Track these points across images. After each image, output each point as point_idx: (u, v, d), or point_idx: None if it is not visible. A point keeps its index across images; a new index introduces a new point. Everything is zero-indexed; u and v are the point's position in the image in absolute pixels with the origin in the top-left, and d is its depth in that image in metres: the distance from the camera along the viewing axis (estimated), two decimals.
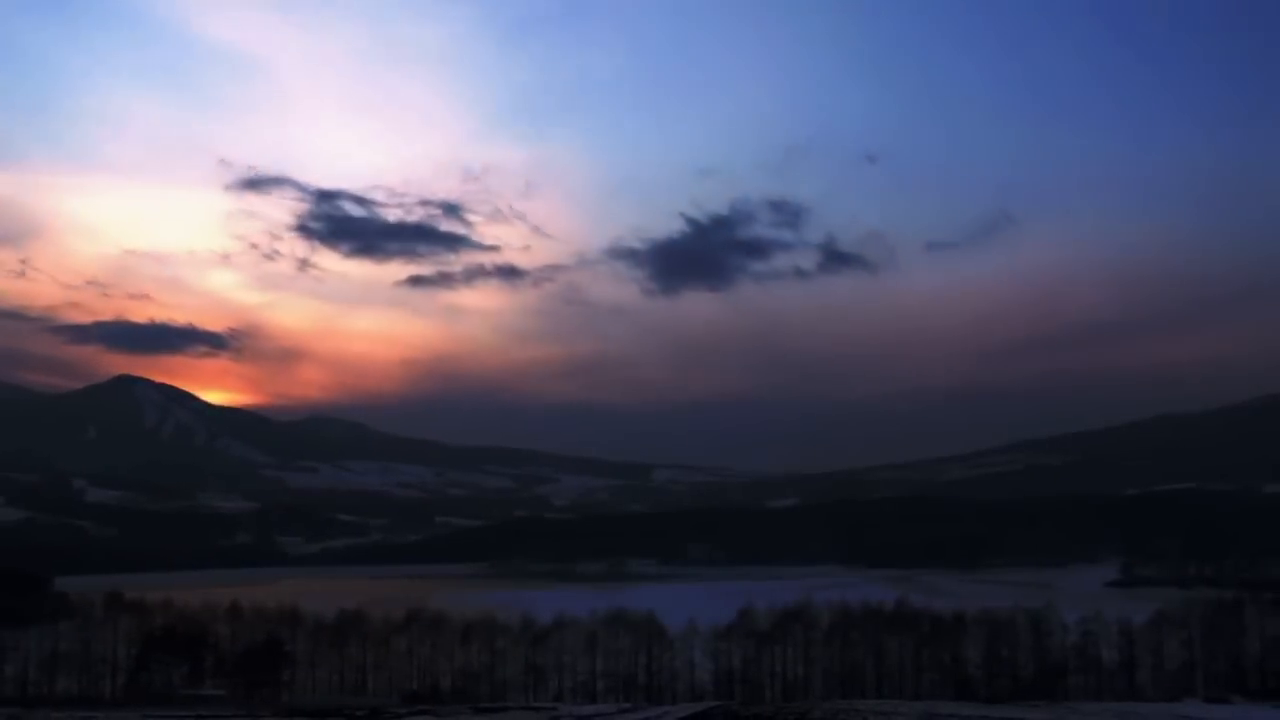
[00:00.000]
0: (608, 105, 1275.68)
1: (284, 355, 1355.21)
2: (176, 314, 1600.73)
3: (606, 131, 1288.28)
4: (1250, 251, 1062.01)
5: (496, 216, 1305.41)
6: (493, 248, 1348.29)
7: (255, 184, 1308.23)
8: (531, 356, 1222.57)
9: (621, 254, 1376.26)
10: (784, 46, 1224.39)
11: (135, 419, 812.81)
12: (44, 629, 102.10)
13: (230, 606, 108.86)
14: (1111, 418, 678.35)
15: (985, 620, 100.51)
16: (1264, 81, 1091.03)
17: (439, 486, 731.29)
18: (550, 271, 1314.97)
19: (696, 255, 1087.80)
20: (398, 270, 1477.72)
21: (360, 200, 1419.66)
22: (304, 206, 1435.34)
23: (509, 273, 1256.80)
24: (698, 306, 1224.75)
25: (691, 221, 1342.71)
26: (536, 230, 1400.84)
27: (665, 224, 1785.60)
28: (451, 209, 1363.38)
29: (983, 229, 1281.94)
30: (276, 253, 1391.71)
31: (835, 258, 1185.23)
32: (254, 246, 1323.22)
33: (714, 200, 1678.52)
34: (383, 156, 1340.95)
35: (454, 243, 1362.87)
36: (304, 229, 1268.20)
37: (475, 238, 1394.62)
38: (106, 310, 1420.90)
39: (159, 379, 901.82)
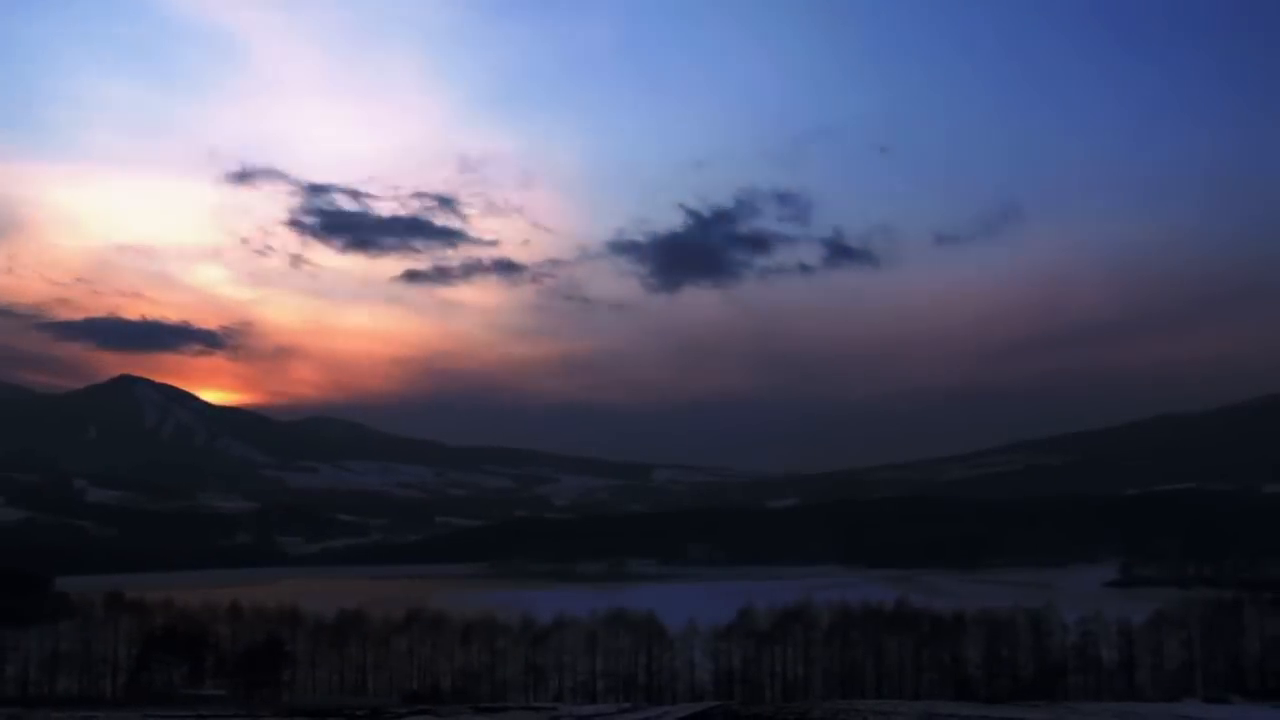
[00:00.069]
0: (605, 90, 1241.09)
1: (280, 353, 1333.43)
2: (168, 311, 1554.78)
3: (604, 118, 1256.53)
4: (1252, 250, 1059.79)
5: (492, 209, 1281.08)
6: (489, 242, 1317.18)
7: (245, 177, 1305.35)
8: (530, 354, 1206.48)
9: (621, 248, 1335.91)
10: (792, 32, 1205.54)
11: (135, 419, 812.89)
12: (44, 629, 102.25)
13: (230, 606, 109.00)
14: (1111, 418, 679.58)
15: (985, 620, 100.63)
16: (1270, 79, 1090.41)
17: (439, 486, 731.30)
18: (549, 266, 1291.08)
19: (698, 249, 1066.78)
20: (393, 265, 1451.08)
21: (353, 194, 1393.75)
22: (295, 200, 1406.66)
23: (507, 267, 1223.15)
24: (699, 302, 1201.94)
25: (693, 214, 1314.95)
26: (534, 224, 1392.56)
27: (666, 216, 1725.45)
28: (446, 201, 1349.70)
29: (991, 221, 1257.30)
30: (269, 248, 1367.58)
31: (841, 252, 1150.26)
32: (245, 241, 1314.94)
33: (717, 191, 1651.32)
34: (372, 145, 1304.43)
35: (450, 237, 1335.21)
36: (296, 224, 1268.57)
37: (471, 231, 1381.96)
38: (97, 307, 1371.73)
39: (155, 378, 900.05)
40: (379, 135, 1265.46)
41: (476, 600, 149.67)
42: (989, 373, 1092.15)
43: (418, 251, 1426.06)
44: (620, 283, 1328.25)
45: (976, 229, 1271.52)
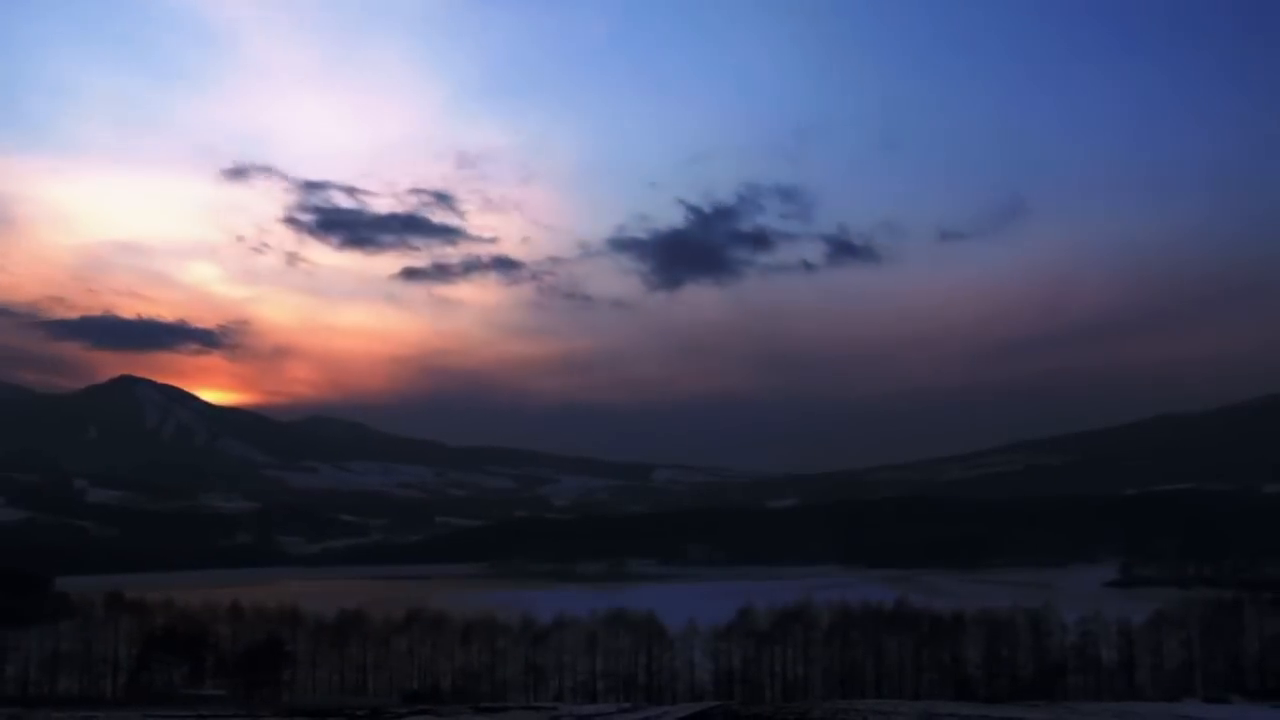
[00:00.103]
0: (604, 83, 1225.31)
1: (278, 353, 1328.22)
2: (164, 309, 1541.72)
3: (603, 112, 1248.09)
4: (1254, 248, 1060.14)
5: (490, 205, 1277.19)
6: (487, 239, 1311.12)
7: (239, 174, 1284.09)
8: (529, 353, 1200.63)
9: (621, 245, 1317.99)
10: (795, 26, 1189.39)
11: (136, 419, 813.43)
12: (45, 629, 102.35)
13: (231, 606, 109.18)
14: (1111, 418, 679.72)
15: (985, 620, 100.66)
16: (1276, 77, 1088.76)
17: (439, 487, 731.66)
18: (548, 264, 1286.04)
19: (699, 247, 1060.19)
20: (390, 263, 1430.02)
21: (349, 190, 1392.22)
22: (291, 197, 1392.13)
23: (506, 265, 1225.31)
24: (700, 299, 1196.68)
25: (694, 210, 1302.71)
26: (532, 220, 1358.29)
27: (667, 213, 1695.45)
28: (443, 198, 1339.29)
29: (996, 217, 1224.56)
30: (265, 246, 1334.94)
31: (843, 249, 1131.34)
32: (241, 239, 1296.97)
33: (719, 187, 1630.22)
34: (367, 139, 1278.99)
35: (448, 234, 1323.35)
36: (292, 221, 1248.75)
37: (468, 228, 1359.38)
38: (93, 305, 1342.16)
39: (152, 377, 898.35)
40: (373, 129, 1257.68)
41: (477, 600, 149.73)
42: (989, 373, 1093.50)
43: (416, 249, 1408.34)
44: (619, 280, 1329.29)
45: (981, 225, 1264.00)
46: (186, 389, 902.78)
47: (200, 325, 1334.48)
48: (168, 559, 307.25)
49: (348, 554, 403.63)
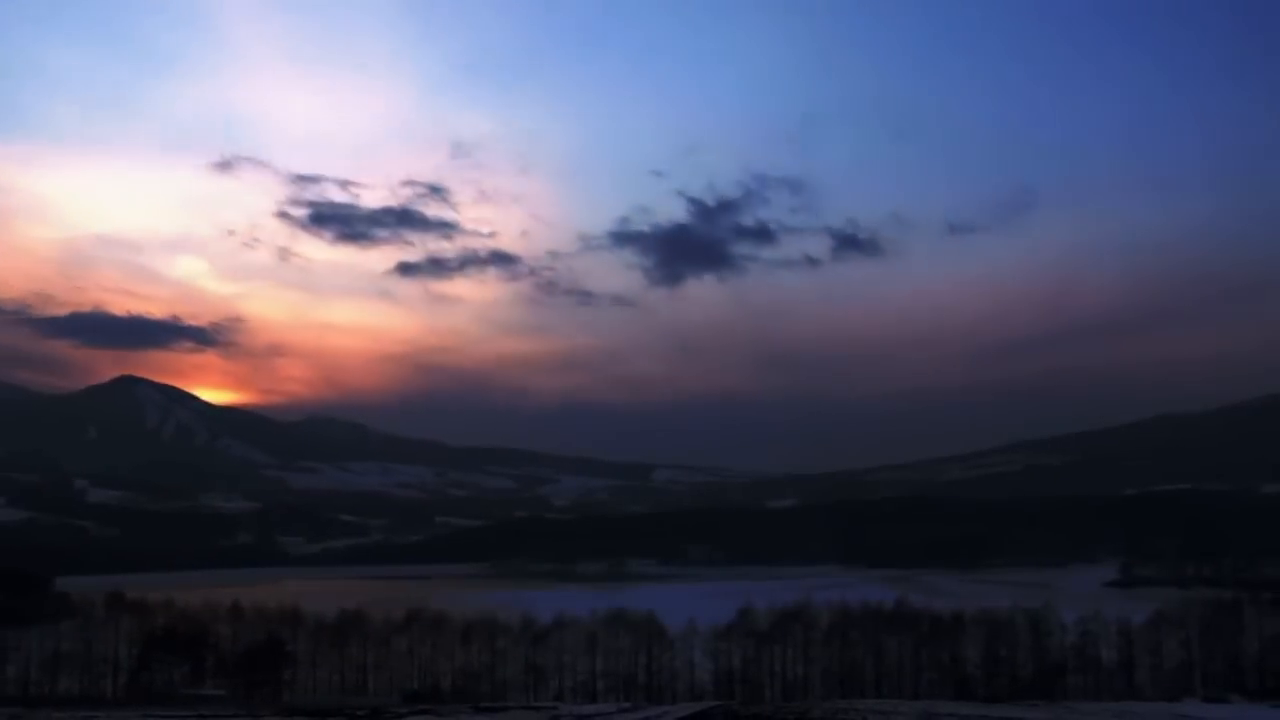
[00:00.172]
0: (600, 64, 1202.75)
1: (273, 351, 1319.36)
2: (154, 306, 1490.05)
3: (600, 96, 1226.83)
4: (1255, 247, 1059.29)
5: (485, 197, 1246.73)
6: (484, 234, 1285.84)
7: (226, 165, 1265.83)
8: (529, 351, 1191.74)
9: (622, 239, 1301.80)
10: (798, 16, 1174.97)
11: (136, 419, 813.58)
12: (46, 629, 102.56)
13: (231, 606, 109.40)
14: (1111, 418, 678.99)
15: (984, 620, 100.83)
16: None
17: (439, 487, 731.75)
18: (547, 259, 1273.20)
19: (701, 241, 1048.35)
20: (385, 258, 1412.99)
21: (342, 183, 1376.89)
22: (281, 190, 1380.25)
23: (503, 259, 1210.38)
24: (701, 295, 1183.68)
25: (696, 202, 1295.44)
26: (530, 213, 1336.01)
27: (669, 204, 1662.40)
28: (437, 190, 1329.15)
29: (1006, 209, 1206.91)
30: (256, 240, 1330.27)
31: (848, 243, 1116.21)
32: (231, 233, 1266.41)
33: (721, 178, 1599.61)
34: (356, 127, 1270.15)
35: (444, 228, 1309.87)
36: (284, 215, 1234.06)
37: (464, 221, 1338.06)
38: (81, 302, 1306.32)
39: (146, 375, 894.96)
40: (361, 116, 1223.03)
41: (477, 600, 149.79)
42: (989, 373, 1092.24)
43: (411, 244, 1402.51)
44: (621, 276, 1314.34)
45: (990, 217, 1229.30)
46: (186, 389, 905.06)
47: (193, 323, 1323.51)
48: (168, 559, 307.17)
49: (348, 554, 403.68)
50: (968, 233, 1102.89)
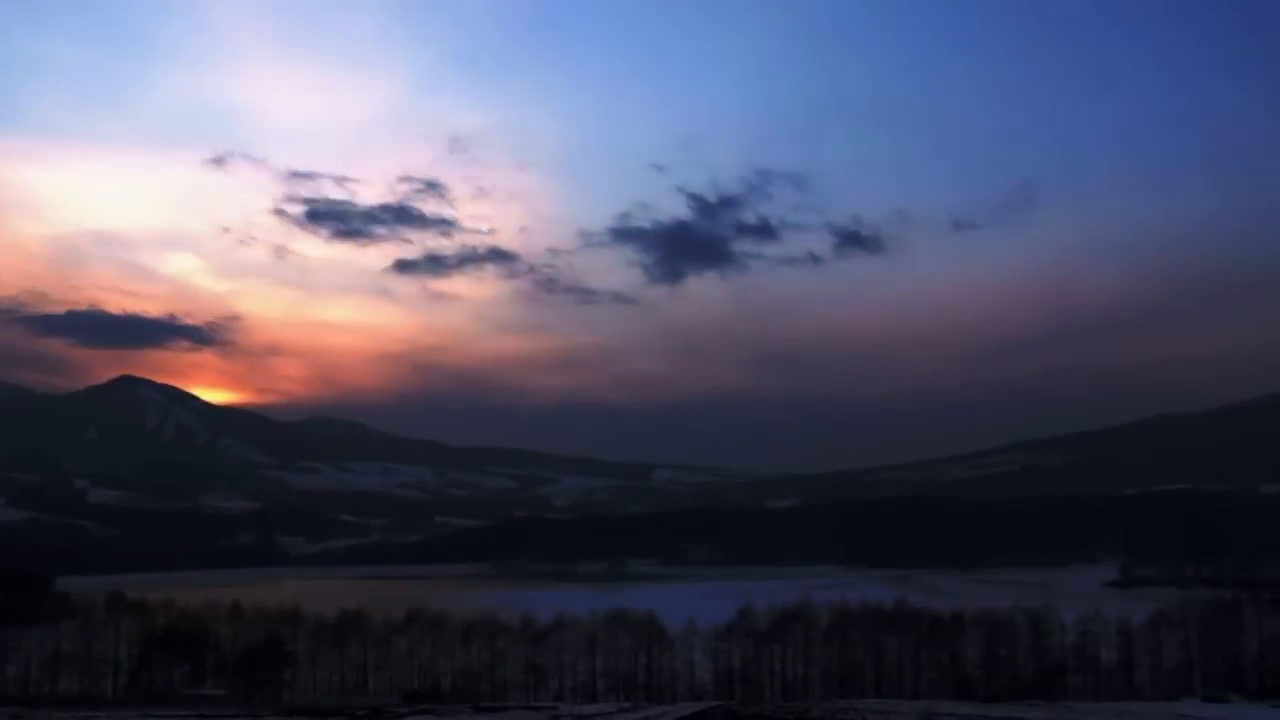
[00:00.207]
0: (600, 67, 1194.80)
1: (271, 350, 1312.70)
2: (149, 304, 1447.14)
3: (599, 89, 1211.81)
4: (1257, 247, 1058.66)
5: (483, 194, 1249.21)
6: (483, 231, 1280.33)
7: (220, 161, 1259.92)
8: (528, 349, 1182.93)
9: (623, 235, 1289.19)
10: (801, 9, 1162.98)
11: (137, 419, 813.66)
12: (46, 629, 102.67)
13: (231, 606, 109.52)
14: (1111, 418, 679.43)
15: (984, 620, 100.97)
16: None
17: (439, 487, 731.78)
18: (546, 256, 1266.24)
19: (702, 237, 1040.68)
20: (383, 255, 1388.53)
21: (338, 179, 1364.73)
22: (277, 187, 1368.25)
23: (501, 256, 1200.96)
24: (702, 293, 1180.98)
25: (697, 199, 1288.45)
26: (529, 209, 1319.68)
27: (669, 200, 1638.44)
28: (434, 185, 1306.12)
29: (1010, 206, 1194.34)
30: (252, 237, 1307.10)
31: (851, 240, 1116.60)
32: (226, 230, 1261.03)
33: (723, 173, 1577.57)
34: (351, 120, 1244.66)
35: (442, 225, 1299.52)
36: (280, 212, 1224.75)
37: (462, 218, 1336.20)
38: (76, 300, 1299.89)
39: (142, 375, 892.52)
40: (356, 109, 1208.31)
41: (477, 600, 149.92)
42: (989, 372, 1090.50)
43: (408, 241, 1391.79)
44: (621, 273, 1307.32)
45: (994, 214, 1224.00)
46: (186, 389, 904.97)
47: (189, 321, 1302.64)
48: (168, 559, 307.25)
49: (348, 554, 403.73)
50: (972, 229, 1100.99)
